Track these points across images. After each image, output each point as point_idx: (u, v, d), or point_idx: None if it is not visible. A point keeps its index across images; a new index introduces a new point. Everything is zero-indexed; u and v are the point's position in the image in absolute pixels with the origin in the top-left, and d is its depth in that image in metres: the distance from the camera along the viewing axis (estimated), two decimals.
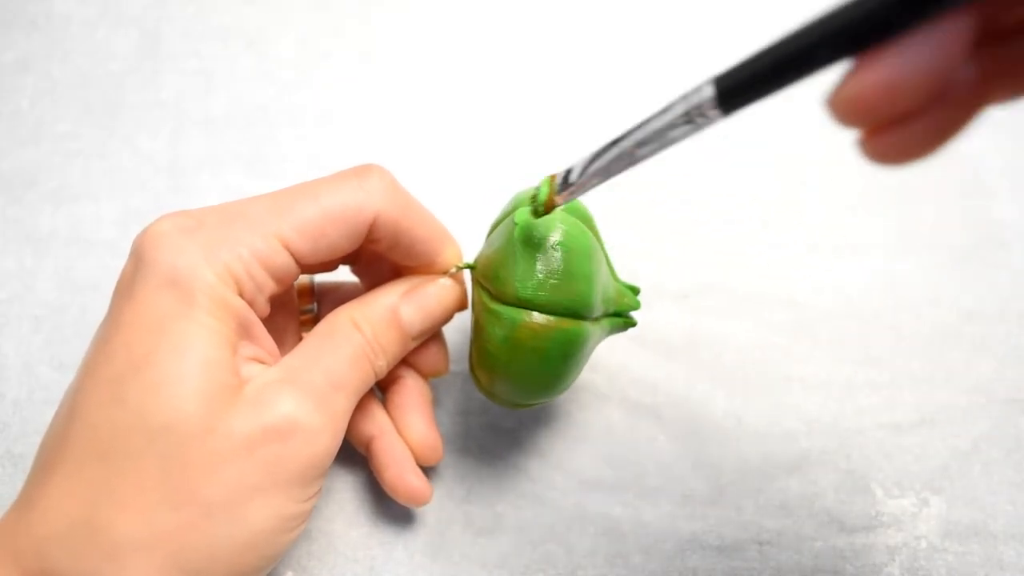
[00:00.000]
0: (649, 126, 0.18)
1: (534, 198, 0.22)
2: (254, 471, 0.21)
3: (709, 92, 0.16)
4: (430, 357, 0.27)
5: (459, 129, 0.37)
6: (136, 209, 0.34)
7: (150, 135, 0.36)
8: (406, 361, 0.27)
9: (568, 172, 0.21)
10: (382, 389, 0.28)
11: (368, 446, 0.27)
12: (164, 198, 0.35)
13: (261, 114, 0.37)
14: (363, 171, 0.24)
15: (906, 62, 0.14)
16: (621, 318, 0.26)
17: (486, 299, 0.24)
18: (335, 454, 0.23)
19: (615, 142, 0.19)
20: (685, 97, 0.16)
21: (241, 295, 0.22)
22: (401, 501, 0.27)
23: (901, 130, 0.15)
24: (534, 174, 0.30)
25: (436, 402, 0.30)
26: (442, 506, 0.29)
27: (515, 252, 0.23)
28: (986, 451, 0.30)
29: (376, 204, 0.24)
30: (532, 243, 0.23)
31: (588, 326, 0.24)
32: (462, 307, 0.27)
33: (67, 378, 0.23)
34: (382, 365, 0.24)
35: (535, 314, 0.23)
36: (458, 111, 0.37)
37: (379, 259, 0.27)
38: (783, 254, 0.34)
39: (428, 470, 0.29)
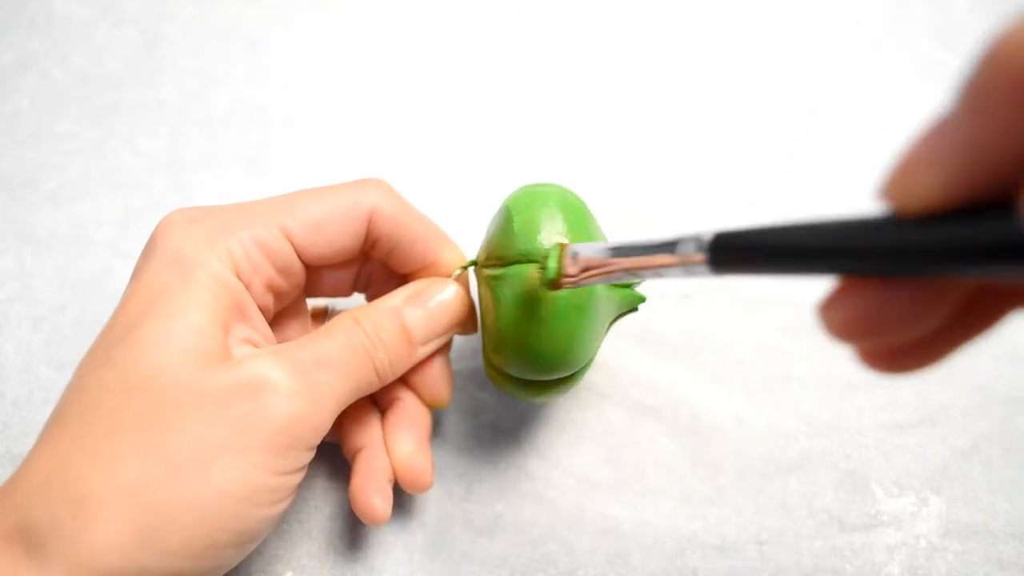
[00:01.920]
0: (648, 260, 0.18)
1: (543, 268, 0.22)
2: (222, 428, 0.20)
3: (700, 258, 0.16)
4: (432, 380, 0.27)
5: (458, 131, 0.37)
6: (135, 209, 0.34)
7: (150, 135, 0.36)
8: (408, 384, 0.27)
9: (575, 252, 0.22)
10: (382, 409, 0.27)
11: (354, 457, 0.27)
12: (164, 198, 0.35)
13: (261, 114, 0.37)
14: (362, 180, 0.26)
15: (883, 298, 0.13)
16: (628, 289, 0.26)
17: (491, 273, 0.24)
18: (316, 432, 0.22)
19: (618, 257, 0.20)
20: (683, 243, 0.17)
21: (238, 276, 0.23)
22: (356, 513, 0.25)
23: (892, 352, 0.14)
24: (531, 180, 0.30)
25: None
26: (442, 506, 0.29)
27: (512, 219, 0.24)
28: (986, 451, 0.30)
29: (373, 200, 0.25)
30: (530, 206, 0.24)
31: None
32: (468, 319, 0.27)
33: (67, 378, 0.23)
34: (383, 359, 0.24)
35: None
36: (457, 112, 0.37)
37: (389, 281, 0.27)
38: None
39: None
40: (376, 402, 0.27)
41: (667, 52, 0.39)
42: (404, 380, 0.27)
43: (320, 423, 0.22)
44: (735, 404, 0.30)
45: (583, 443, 0.30)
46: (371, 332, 0.24)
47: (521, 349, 0.24)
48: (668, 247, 0.17)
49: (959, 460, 0.30)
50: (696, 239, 0.16)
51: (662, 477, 0.29)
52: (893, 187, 0.12)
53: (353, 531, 0.28)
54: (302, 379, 0.22)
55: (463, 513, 0.29)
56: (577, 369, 0.25)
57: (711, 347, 0.32)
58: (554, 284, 0.22)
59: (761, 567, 0.28)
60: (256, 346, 0.23)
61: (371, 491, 0.25)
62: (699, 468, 0.29)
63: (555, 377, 0.25)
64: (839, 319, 0.14)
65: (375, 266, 0.27)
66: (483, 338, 0.26)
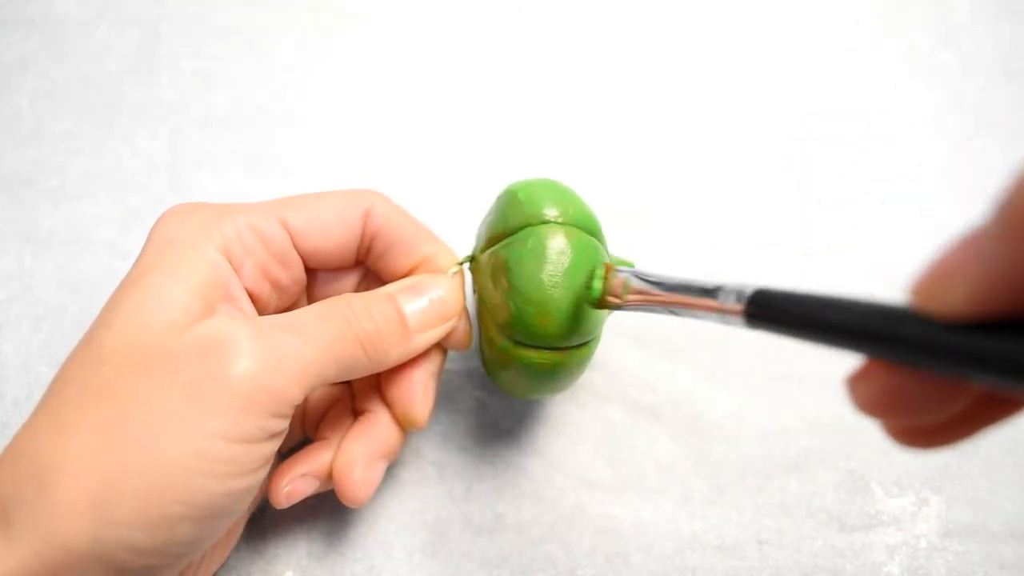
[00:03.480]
0: (689, 300, 0.19)
1: (589, 286, 0.23)
2: (174, 392, 0.20)
3: (738, 310, 0.17)
4: (407, 394, 0.26)
5: (458, 133, 0.37)
6: (135, 209, 0.34)
7: (149, 135, 0.36)
8: (385, 398, 0.26)
9: (620, 277, 0.22)
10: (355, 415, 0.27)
11: None
12: (163, 198, 0.35)
13: (261, 114, 0.37)
14: (355, 191, 0.26)
15: (908, 381, 0.14)
16: (619, 259, 0.27)
17: (497, 247, 0.25)
18: (277, 398, 0.21)
19: (660, 290, 0.21)
20: (725, 292, 0.18)
21: (229, 258, 0.23)
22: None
23: (918, 431, 0.15)
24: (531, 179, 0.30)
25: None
26: (442, 505, 0.29)
27: (516, 194, 0.25)
28: (986, 451, 0.30)
29: (370, 200, 0.25)
30: (530, 185, 0.25)
31: (603, 250, 0.25)
32: (462, 322, 0.26)
33: None
34: (370, 330, 0.23)
35: (557, 224, 0.24)
36: (457, 114, 0.37)
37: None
38: (780, 254, 0.34)
39: (426, 467, 0.29)
40: (353, 411, 0.27)
41: (666, 52, 0.39)
42: (382, 393, 0.26)
43: (281, 387, 0.21)
44: (735, 403, 0.30)
45: (583, 443, 0.30)
46: (359, 308, 0.23)
47: (542, 305, 0.23)
48: (710, 293, 0.18)
49: (959, 460, 0.30)
50: (737, 291, 0.17)
51: (662, 477, 0.29)
52: (923, 291, 0.13)
53: (353, 531, 0.28)
54: (263, 340, 0.21)
55: (463, 513, 0.29)
56: (590, 339, 0.25)
57: (711, 347, 0.32)
58: (599, 303, 0.23)
59: (761, 567, 0.28)
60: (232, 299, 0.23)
61: (285, 474, 0.25)
62: (699, 468, 0.29)
63: (572, 343, 0.24)
64: (865, 394, 0.14)
65: (372, 280, 0.28)
66: (486, 327, 0.26)
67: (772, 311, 0.16)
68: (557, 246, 0.23)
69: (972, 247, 0.12)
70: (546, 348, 0.24)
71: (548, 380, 0.25)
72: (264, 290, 0.25)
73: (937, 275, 0.13)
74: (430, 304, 0.25)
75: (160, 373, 0.20)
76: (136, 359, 0.20)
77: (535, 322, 0.23)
